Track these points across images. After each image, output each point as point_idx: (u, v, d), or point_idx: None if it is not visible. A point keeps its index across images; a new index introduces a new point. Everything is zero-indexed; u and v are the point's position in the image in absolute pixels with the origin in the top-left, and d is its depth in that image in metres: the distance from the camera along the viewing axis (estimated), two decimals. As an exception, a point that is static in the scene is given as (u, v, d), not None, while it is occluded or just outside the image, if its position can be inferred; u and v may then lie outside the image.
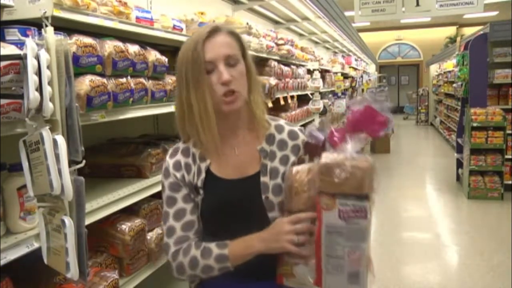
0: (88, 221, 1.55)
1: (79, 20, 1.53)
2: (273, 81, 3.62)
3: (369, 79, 12.47)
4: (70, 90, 1.27)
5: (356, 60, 11.68)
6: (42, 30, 1.29)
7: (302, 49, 5.49)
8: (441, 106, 13.05)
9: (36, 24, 1.37)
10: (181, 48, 1.23)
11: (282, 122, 1.34)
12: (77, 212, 1.29)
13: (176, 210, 1.25)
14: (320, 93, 5.76)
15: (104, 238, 1.88)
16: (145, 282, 2.00)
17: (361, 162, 1.03)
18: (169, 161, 1.29)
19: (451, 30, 17.44)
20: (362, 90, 11.22)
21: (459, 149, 6.94)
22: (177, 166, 1.27)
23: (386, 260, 4.10)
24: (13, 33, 1.34)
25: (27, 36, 1.33)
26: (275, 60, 3.96)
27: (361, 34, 12.11)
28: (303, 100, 5.47)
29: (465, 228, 5.10)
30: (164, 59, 2.11)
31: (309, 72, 5.57)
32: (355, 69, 10.97)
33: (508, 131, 6.03)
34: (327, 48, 9.94)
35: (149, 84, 1.97)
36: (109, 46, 1.69)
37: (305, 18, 5.79)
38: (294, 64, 4.84)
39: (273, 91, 3.60)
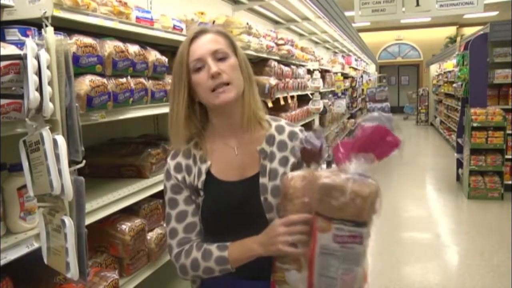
0: (88, 221, 1.55)
1: (79, 20, 1.53)
2: (273, 81, 3.62)
3: (369, 79, 12.47)
4: (70, 90, 1.27)
5: (356, 60, 11.69)
6: (42, 30, 1.29)
7: (302, 49, 5.49)
8: (441, 106, 13.06)
9: (36, 24, 1.37)
10: None
11: (283, 122, 1.34)
12: (77, 212, 1.29)
13: (178, 212, 1.26)
14: (320, 93, 5.76)
15: (104, 238, 1.88)
16: (145, 282, 2.00)
17: (363, 187, 0.97)
18: (170, 163, 1.30)
19: (451, 30, 17.44)
20: (362, 90, 11.23)
21: (459, 149, 6.95)
22: (178, 168, 1.28)
23: (386, 260, 4.10)
24: (13, 33, 1.34)
25: (27, 36, 1.33)
26: (275, 60, 3.96)
27: (361, 34, 12.12)
28: (303, 100, 5.47)
29: (465, 228, 5.10)
30: (164, 59, 2.11)
31: (309, 72, 5.57)
32: (355, 69, 10.98)
33: (508, 131, 6.03)
34: (327, 48, 9.94)
35: (149, 84, 1.97)
36: (109, 46, 1.69)
37: (305, 18, 5.79)
38: (294, 64, 4.84)
39: (273, 91, 3.60)
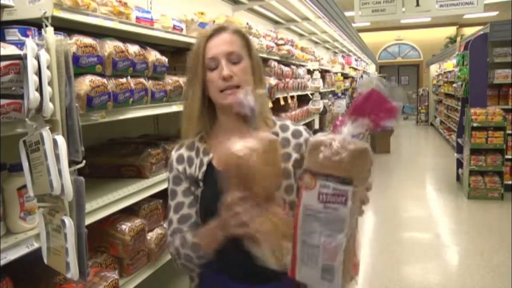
0: (88, 221, 1.55)
1: (79, 20, 1.53)
2: (273, 81, 3.62)
3: (369, 79, 12.43)
4: (70, 90, 1.27)
5: (356, 60, 11.68)
6: (42, 30, 1.29)
7: (302, 49, 5.49)
8: (441, 106, 13.06)
9: (36, 24, 1.37)
10: None
11: (288, 122, 1.36)
12: (77, 212, 1.30)
13: (176, 203, 1.30)
14: (320, 93, 5.76)
15: (104, 238, 1.88)
16: (145, 282, 2.00)
17: (351, 144, 0.95)
18: (173, 155, 1.33)
19: (451, 30, 17.44)
20: (362, 90, 11.20)
21: (459, 149, 6.95)
22: (180, 159, 1.31)
23: (386, 260, 4.10)
24: (13, 33, 1.34)
25: (27, 36, 1.33)
26: (275, 60, 3.96)
27: (361, 34, 12.11)
28: (303, 100, 5.47)
29: (465, 228, 5.10)
30: (164, 59, 2.11)
31: (309, 72, 5.57)
32: (355, 69, 10.97)
33: (508, 131, 6.04)
34: (327, 48, 9.94)
35: (149, 84, 1.97)
36: (109, 46, 1.69)
37: (305, 18, 5.79)
38: (294, 64, 4.84)
39: (273, 91, 3.60)
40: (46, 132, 1.20)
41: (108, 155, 2.17)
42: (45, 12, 1.32)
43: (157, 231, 2.12)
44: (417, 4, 5.44)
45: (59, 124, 1.26)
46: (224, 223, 1.10)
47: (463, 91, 6.97)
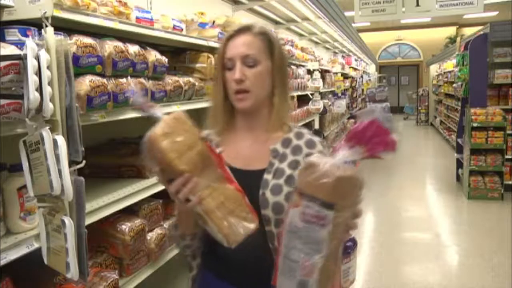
0: (88, 221, 1.55)
1: (79, 20, 1.53)
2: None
3: (369, 79, 12.47)
4: (70, 90, 1.27)
5: (356, 60, 11.69)
6: (42, 30, 1.29)
7: (302, 49, 5.49)
8: (441, 106, 13.06)
9: (36, 24, 1.37)
10: None
11: (305, 131, 1.35)
12: (77, 212, 1.30)
13: None
14: (320, 93, 5.76)
15: (104, 238, 1.88)
16: (145, 282, 2.00)
17: (339, 170, 0.96)
18: None
19: (451, 30, 17.44)
20: (362, 90, 11.24)
21: (459, 149, 6.95)
22: None
23: (386, 260, 4.10)
24: (13, 33, 1.34)
25: (27, 36, 1.33)
26: (275, 60, 3.95)
27: (361, 34, 12.12)
28: (303, 100, 5.48)
29: (465, 228, 5.10)
30: (164, 59, 2.11)
31: (309, 72, 5.56)
32: (355, 69, 10.98)
33: (508, 131, 6.04)
34: (327, 48, 9.94)
35: (149, 84, 1.97)
36: (109, 46, 1.69)
37: (305, 18, 5.79)
38: (294, 64, 4.84)
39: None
40: (46, 132, 1.20)
41: (108, 155, 2.17)
42: (45, 12, 1.32)
43: (157, 231, 2.12)
44: (417, 4, 5.44)
45: (59, 124, 1.26)
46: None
47: (463, 91, 6.98)
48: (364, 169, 1.29)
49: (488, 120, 5.98)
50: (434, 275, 3.81)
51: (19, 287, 1.43)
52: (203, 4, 3.26)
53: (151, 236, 2.06)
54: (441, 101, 12.89)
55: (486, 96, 6.39)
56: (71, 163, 1.26)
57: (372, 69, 15.99)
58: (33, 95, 1.16)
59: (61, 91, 1.26)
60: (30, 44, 1.19)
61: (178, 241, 1.28)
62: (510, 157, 6.13)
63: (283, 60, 1.30)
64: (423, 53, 18.52)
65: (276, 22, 5.82)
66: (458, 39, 9.48)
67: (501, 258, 4.07)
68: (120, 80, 1.75)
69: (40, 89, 1.18)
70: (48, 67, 1.21)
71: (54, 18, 1.35)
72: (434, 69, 15.32)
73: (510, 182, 6.15)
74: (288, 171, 1.23)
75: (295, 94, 4.74)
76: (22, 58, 1.19)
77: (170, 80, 2.18)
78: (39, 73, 1.19)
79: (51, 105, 1.21)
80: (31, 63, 1.17)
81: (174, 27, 2.24)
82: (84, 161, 1.30)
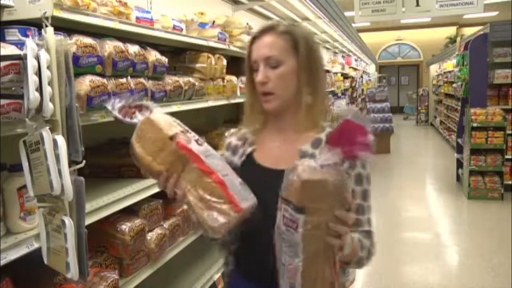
0: (88, 221, 1.55)
1: (79, 20, 1.53)
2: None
3: (369, 79, 12.48)
4: (70, 90, 1.27)
5: (356, 60, 11.69)
6: (42, 30, 1.29)
7: (302, 49, 5.47)
8: (441, 106, 13.06)
9: (36, 24, 1.37)
10: None
11: None
12: (77, 212, 1.30)
13: None
14: (320, 93, 5.74)
15: (104, 238, 1.88)
16: (145, 282, 2.00)
17: (306, 173, 0.95)
18: (226, 141, 1.43)
19: (451, 30, 17.45)
20: (362, 90, 11.23)
21: (459, 149, 6.95)
22: (227, 146, 1.41)
23: (386, 260, 4.10)
24: (13, 33, 1.34)
25: (27, 36, 1.33)
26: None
27: (361, 34, 12.12)
28: (303, 100, 5.46)
29: (465, 228, 5.10)
30: (164, 59, 2.11)
31: (309, 72, 5.55)
32: (355, 69, 10.98)
33: (508, 131, 6.04)
34: (327, 48, 9.94)
35: (149, 84, 1.97)
36: (109, 46, 1.69)
37: (305, 18, 5.78)
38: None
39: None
40: (46, 132, 1.19)
41: (108, 155, 2.16)
42: (45, 12, 1.32)
43: (157, 231, 2.12)
44: (417, 4, 5.44)
45: (59, 124, 1.25)
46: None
47: (463, 91, 6.98)
48: (364, 169, 1.29)
49: (488, 120, 5.98)
50: (434, 275, 3.81)
51: (19, 287, 1.43)
52: (203, 4, 3.26)
53: (151, 236, 2.06)
54: (441, 101, 12.89)
55: (486, 96, 6.39)
56: (71, 163, 1.26)
57: (372, 69, 15.99)
58: (33, 95, 1.16)
59: (61, 91, 1.26)
60: (30, 44, 1.19)
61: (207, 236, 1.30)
62: (510, 157, 6.13)
63: (311, 58, 1.25)
64: (423, 53, 18.52)
65: (276, 22, 5.81)
66: (458, 39, 9.49)
67: (501, 258, 4.07)
68: (120, 80, 1.75)
69: (40, 89, 1.18)
70: (48, 67, 1.21)
71: (54, 18, 1.35)
72: (434, 69, 15.32)
73: (510, 182, 6.15)
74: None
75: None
76: (22, 58, 1.19)
77: (170, 80, 2.18)
78: (39, 73, 1.19)
79: (51, 105, 1.21)
80: (31, 63, 1.17)
81: (174, 27, 2.24)
82: (84, 161, 1.30)
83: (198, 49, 2.58)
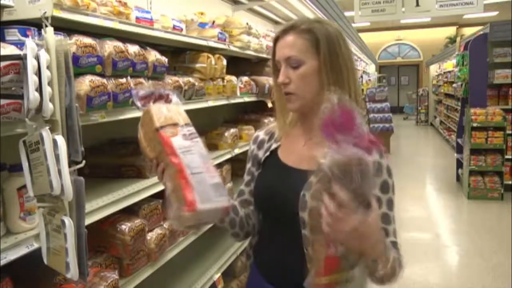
0: (88, 221, 1.55)
1: (79, 20, 1.53)
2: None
3: (369, 79, 12.48)
4: (70, 90, 1.27)
5: (356, 60, 11.68)
6: (42, 30, 1.29)
7: (302, 49, 5.47)
8: (441, 106, 13.06)
9: (36, 24, 1.37)
10: None
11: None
12: (77, 212, 1.29)
13: (244, 179, 1.43)
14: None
15: (104, 238, 1.88)
16: (145, 282, 1.99)
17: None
18: (254, 135, 1.44)
19: (451, 30, 17.45)
20: (362, 90, 11.23)
21: (459, 149, 6.95)
22: (255, 140, 1.42)
23: (386, 260, 4.10)
24: (13, 34, 1.34)
25: (27, 36, 1.33)
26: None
27: (361, 34, 12.12)
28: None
29: (465, 228, 5.10)
30: (164, 59, 2.11)
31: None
32: (355, 69, 10.95)
33: (508, 131, 6.04)
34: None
35: (149, 84, 1.97)
36: (109, 46, 1.69)
37: (305, 18, 5.78)
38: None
39: (273, 92, 3.60)
40: (46, 132, 1.19)
41: (108, 155, 2.16)
42: (45, 12, 1.32)
43: (157, 231, 2.12)
44: (417, 4, 5.44)
45: (59, 124, 1.25)
46: None
47: (463, 91, 6.98)
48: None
49: (488, 120, 5.98)
50: (434, 275, 3.81)
51: (19, 287, 1.43)
52: (203, 4, 3.26)
53: (151, 236, 2.06)
54: (441, 101, 12.89)
55: (486, 96, 6.39)
56: (71, 163, 1.26)
57: (372, 69, 15.99)
58: (33, 95, 1.16)
59: (61, 91, 1.26)
60: (30, 44, 1.19)
61: (227, 229, 1.33)
62: (510, 157, 6.13)
63: (334, 57, 1.21)
64: (423, 53, 18.53)
65: (276, 22, 5.82)
66: (458, 39, 9.49)
67: (501, 258, 4.07)
68: (120, 80, 1.74)
69: (40, 89, 1.18)
70: (48, 67, 1.21)
71: (54, 18, 1.35)
72: (434, 69, 15.32)
73: (510, 182, 6.15)
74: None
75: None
76: (22, 58, 1.19)
77: (170, 80, 2.17)
78: (39, 73, 1.19)
79: (51, 105, 1.21)
80: (31, 63, 1.16)
81: (174, 27, 2.24)
82: (84, 161, 1.29)
83: (198, 49, 2.58)
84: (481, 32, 6.65)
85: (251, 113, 3.79)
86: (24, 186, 1.32)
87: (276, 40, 1.26)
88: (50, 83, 1.21)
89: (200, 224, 1.20)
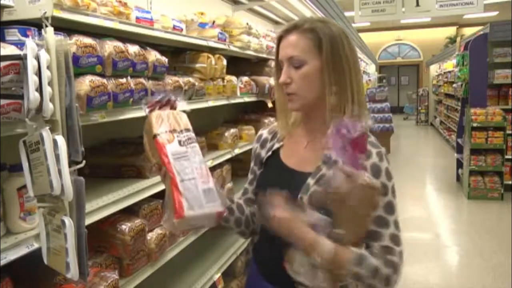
0: (88, 221, 1.55)
1: (79, 21, 1.53)
2: (273, 81, 3.61)
3: (369, 79, 12.47)
4: (70, 90, 1.27)
5: (356, 60, 11.66)
6: (42, 30, 1.29)
7: (302, 49, 5.47)
8: (441, 106, 13.06)
9: (36, 25, 1.37)
10: None
11: (368, 140, 1.20)
12: (77, 213, 1.29)
13: (248, 177, 1.45)
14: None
15: (104, 239, 1.88)
16: (145, 282, 2.00)
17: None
18: (258, 133, 1.46)
19: (451, 30, 17.45)
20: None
21: (459, 149, 6.95)
22: (258, 139, 1.43)
23: (386, 260, 4.10)
24: (13, 34, 1.34)
25: (27, 36, 1.33)
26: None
27: (361, 34, 12.12)
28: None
29: (465, 228, 5.10)
30: (164, 59, 2.11)
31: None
32: (355, 69, 10.94)
33: (508, 131, 6.04)
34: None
35: (149, 84, 1.97)
36: (109, 46, 1.69)
37: (305, 18, 5.78)
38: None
39: (273, 91, 3.60)
40: (46, 132, 1.19)
41: (108, 155, 2.16)
42: (45, 12, 1.32)
43: (157, 231, 2.12)
44: (417, 4, 5.44)
45: (59, 124, 1.25)
46: None
47: (463, 91, 6.98)
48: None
49: (488, 120, 5.98)
50: (434, 275, 3.81)
51: (19, 287, 1.43)
52: (203, 4, 3.26)
53: (151, 236, 2.06)
54: (441, 101, 12.89)
55: (486, 96, 6.39)
56: (71, 163, 1.26)
57: (372, 69, 15.98)
58: (33, 95, 1.16)
59: (61, 91, 1.26)
60: (30, 44, 1.19)
61: (233, 228, 1.34)
62: (510, 157, 6.13)
63: (337, 57, 1.19)
64: (423, 53, 18.52)
65: (276, 22, 5.82)
66: (458, 39, 9.49)
67: (501, 258, 4.07)
68: (120, 80, 1.74)
69: (40, 89, 1.18)
70: (48, 67, 1.21)
71: (54, 18, 1.35)
72: (434, 69, 15.32)
73: (510, 182, 6.15)
74: None
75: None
76: (22, 58, 1.18)
77: (170, 80, 2.17)
78: (39, 73, 1.19)
79: (51, 105, 1.21)
80: (31, 63, 1.16)
81: (174, 27, 2.24)
82: (84, 161, 1.29)
83: (198, 49, 2.58)
84: (481, 32, 6.65)
85: (251, 113, 3.79)
86: (24, 186, 1.32)
87: (279, 39, 1.25)
88: (50, 83, 1.21)
89: (194, 228, 1.22)
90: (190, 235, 2.37)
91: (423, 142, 12.82)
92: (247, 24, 3.11)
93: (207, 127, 2.98)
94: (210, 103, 2.60)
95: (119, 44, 1.75)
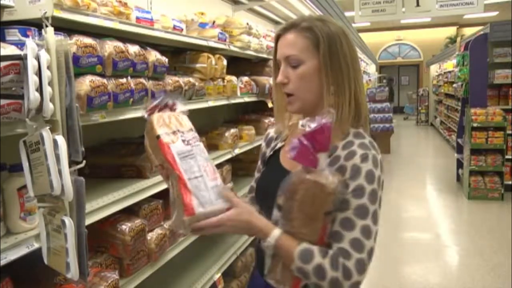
0: (88, 221, 1.55)
1: (79, 21, 1.53)
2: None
3: (369, 79, 12.47)
4: (70, 90, 1.27)
5: (356, 60, 11.67)
6: (42, 30, 1.29)
7: (302, 49, 5.47)
8: (441, 106, 13.06)
9: (36, 25, 1.37)
10: None
11: (358, 140, 1.18)
12: (77, 213, 1.30)
13: (255, 175, 1.45)
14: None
15: (104, 239, 1.88)
16: (145, 282, 2.00)
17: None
18: (266, 132, 1.46)
19: (451, 30, 17.45)
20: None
21: (459, 149, 6.95)
22: (266, 137, 1.44)
23: (386, 260, 4.10)
24: (14, 34, 1.34)
25: (27, 36, 1.33)
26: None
27: (361, 34, 12.13)
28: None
29: (465, 228, 5.10)
30: (164, 59, 2.11)
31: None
32: (355, 69, 10.94)
33: (508, 132, 6.04)
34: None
35: (149, 84, 1.97)
36: (109, 46, 1.69)
37: (305, 18, 5.78)
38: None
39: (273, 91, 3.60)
40: (46, 132, 1.19)
41: (108, 155, 2.16)
42: (45, 12, 1.32)
43: (157, 231, 2.12)
44: (417, 4, 5.44)
45: (59, 124, 1.25)
46: None
47: (463, 91, 6.98)
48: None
49: (488, 120, 5.99)
50: (434, 275, 3.81)
51: (19, 287, 1.43)
52: (203, 4, 3.26)
53: (151, 236, 2.06)
54: (441, 101, 12.89)
55: (486, 96, 6.39)
56: (71, 163, 1.26)
57: (372, 69, 15.99)
58: (33, 95, 1.16)
59: (61, 91, 1.26)
60: (30, 44, 1.19)
61: None
62: (510, 157, 6.14)
63: (335, 56, 1.16)
64: (423, 53, 18.52)
65: (276, 22, 5.82)
66: (458, 39, 9.49)
67: (501, 258, 4.07)
68: (120, 80, 1.74)
69: (40, 89, 1.18)
70: (48, 67, 1.21)
71: (54, 18, 1.35)
72: (434, 69, 15.33)
73: (510, 182, 6.15)
74: None
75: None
76: (22, 58, 1.19)
77: (170, 80, 2.18)
78: (39, 73, 1.19)
79: (51, 105, 1.21)
80: (31, 63, 1.17)
81: (174, 27, 2.24)
82: (84, 161, 1.30)
83: (198, 49, 2.58)
84: (481, 32, 6.66)
85: (251, 113, 3.79)
86: (25, 186, 1.32)
87: (277, 38, 1.24)
88: (50, 83, 1.21)
89: None
90: (190, 235, 2.37)
91: (423, 142, 12.82)
92: (247, 24, 3.11)
93: (207, 127, 2.98)
94: (210, 103, 2.60)
95: (119, 44, 1.75)
